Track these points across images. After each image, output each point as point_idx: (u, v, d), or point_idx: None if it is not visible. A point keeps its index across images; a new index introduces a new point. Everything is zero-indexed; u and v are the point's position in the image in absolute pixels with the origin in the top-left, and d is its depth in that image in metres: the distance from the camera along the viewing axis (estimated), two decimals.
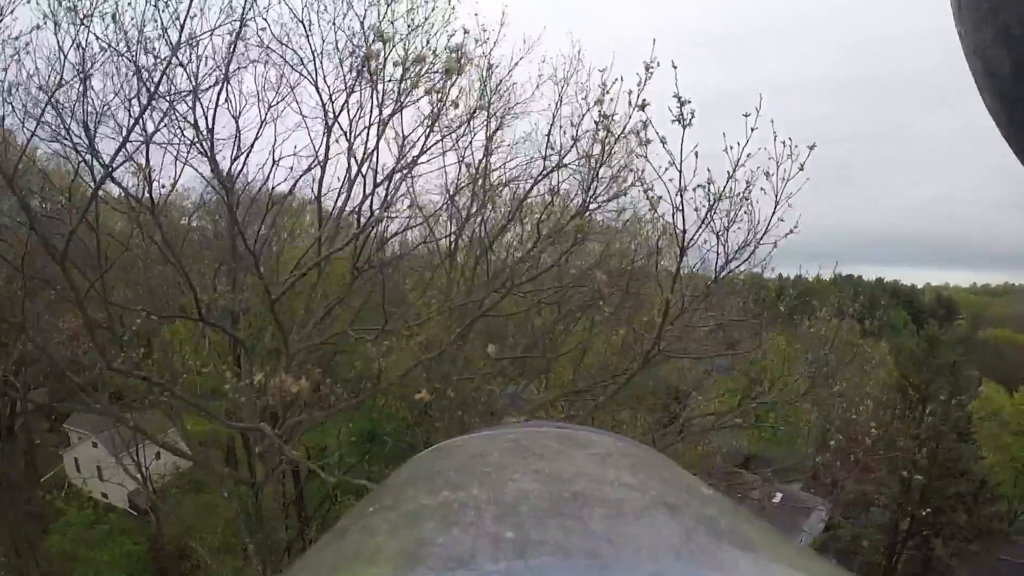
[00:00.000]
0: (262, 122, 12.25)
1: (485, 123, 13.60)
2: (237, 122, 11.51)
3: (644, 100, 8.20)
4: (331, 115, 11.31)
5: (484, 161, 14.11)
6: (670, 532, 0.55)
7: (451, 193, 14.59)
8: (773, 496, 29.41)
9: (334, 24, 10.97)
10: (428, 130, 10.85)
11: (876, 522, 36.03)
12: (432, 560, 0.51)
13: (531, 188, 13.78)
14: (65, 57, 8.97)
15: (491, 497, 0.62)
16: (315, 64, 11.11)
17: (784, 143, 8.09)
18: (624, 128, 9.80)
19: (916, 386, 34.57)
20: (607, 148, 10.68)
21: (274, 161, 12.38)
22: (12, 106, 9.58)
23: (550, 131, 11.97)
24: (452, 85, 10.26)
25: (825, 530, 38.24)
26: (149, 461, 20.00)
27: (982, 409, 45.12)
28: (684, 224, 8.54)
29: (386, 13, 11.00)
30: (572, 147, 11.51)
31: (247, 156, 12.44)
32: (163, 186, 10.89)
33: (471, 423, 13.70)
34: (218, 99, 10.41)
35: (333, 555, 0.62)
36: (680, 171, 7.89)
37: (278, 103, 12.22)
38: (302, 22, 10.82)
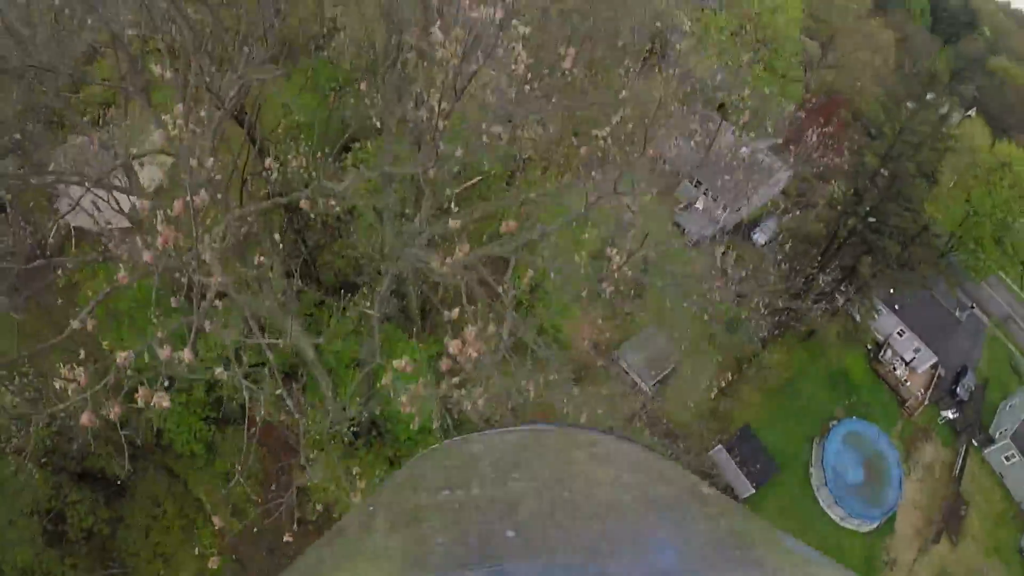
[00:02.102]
0: None
1: None
2: None
3: None
4: None
5: None
6: (669, 532, 0.61)
7: None
8: (740, 149, 48.76)
9: None
10: None
11: (820, 217, 40.42)
12: (432, 559, 0.55)
13: None
14: None
15: (491, 497, 0.68)
16: None
17: None
18: None
19: (899, 103, 35.41)
20: None
21: None
22: None
23: None
24: None
25: (783, 192, 49.78)
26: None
27: (961, 141, 46.01)
28: None
29: None
30: None
31: None
32: None
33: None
34: None
35: (334, 553, 0.67)
36: None
37: None
38: None
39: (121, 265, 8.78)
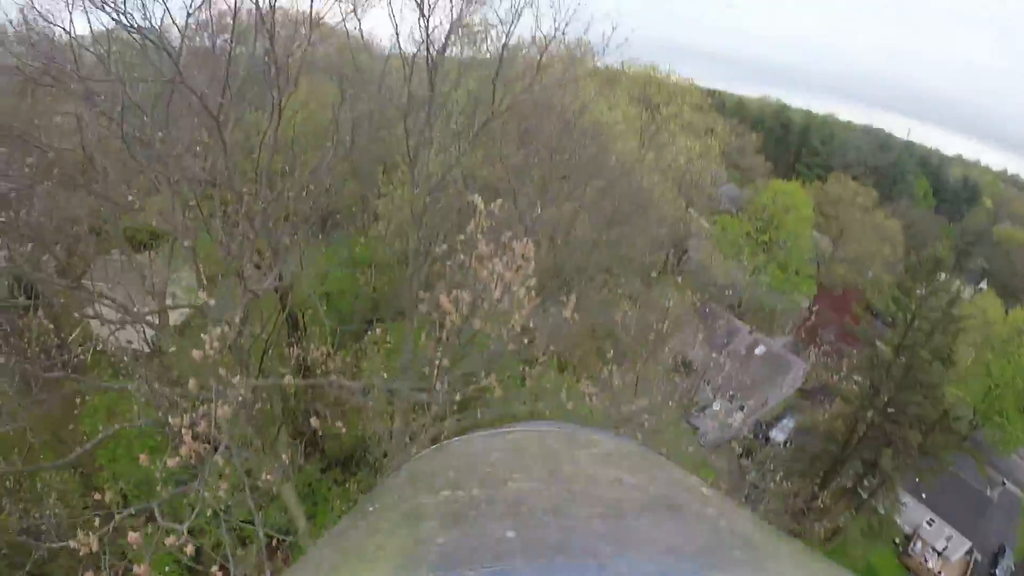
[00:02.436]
0: None
1: None
2: None
3: None
4: None
5: None
6: (670, 532, 0.62)
7: None
8: (756, 348, 51.31)
9: None
10: None
11: (838, 412, 39.47)
12: (432, 560, 0.55)
13: None
14: None
15: (491, 497, 0.68)
16: None
17: None
18: None
19: (908, 292, 35.38)
20: None
21: None
22: None
23: None
24: None
25: (798, 392, 50.84)
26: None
27: (975, 316, 45.39)
28: None
29: None
30: None
31: None
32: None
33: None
34: None
35: (334, 554, 0.69)
36: None
37: None
38: None
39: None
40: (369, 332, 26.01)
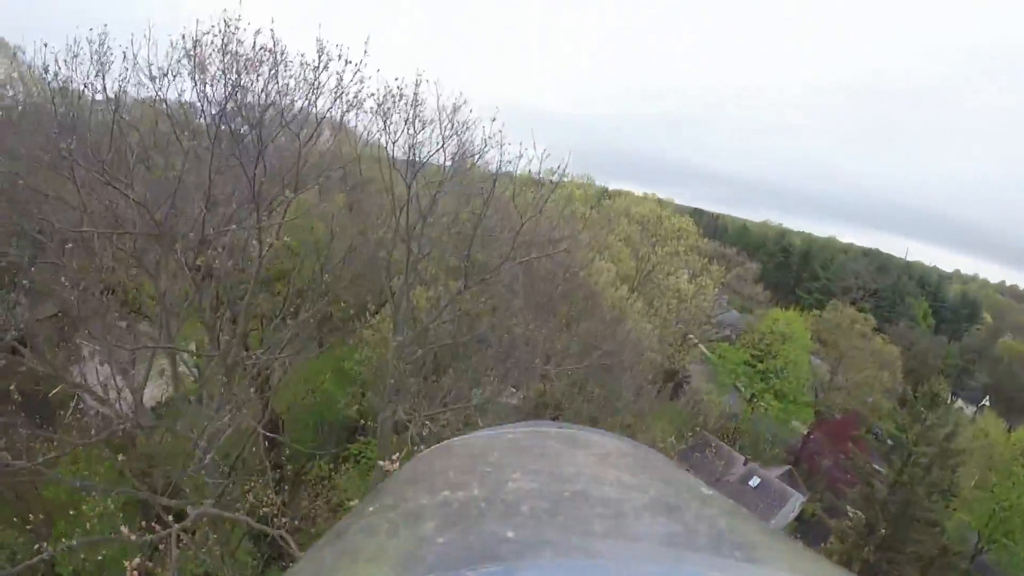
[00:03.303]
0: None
1: None
2: None
3: None
4: None
5: None
6: (670, 532, 0.60)
7: None
8: (751, 479, 51.95)
9: None
10: None
11: (832, 554, 36.55)
12: (432, 560, 0.55)
13: None
14: None
15: (491, 497, 0.67)
16: None
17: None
18: None
19: (904, 429, 35.24)
20: None
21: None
22: None
23: None
24: None
25: (797, 519, 50.46)
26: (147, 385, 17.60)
27: (976, 438, 46.82)
28: None
29: None
30: None
31: None
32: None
33: None
34: None
35: (334, 554, 0.68)
36: None
37: None
38: None
39: None
40: (349, 445, 26.36)
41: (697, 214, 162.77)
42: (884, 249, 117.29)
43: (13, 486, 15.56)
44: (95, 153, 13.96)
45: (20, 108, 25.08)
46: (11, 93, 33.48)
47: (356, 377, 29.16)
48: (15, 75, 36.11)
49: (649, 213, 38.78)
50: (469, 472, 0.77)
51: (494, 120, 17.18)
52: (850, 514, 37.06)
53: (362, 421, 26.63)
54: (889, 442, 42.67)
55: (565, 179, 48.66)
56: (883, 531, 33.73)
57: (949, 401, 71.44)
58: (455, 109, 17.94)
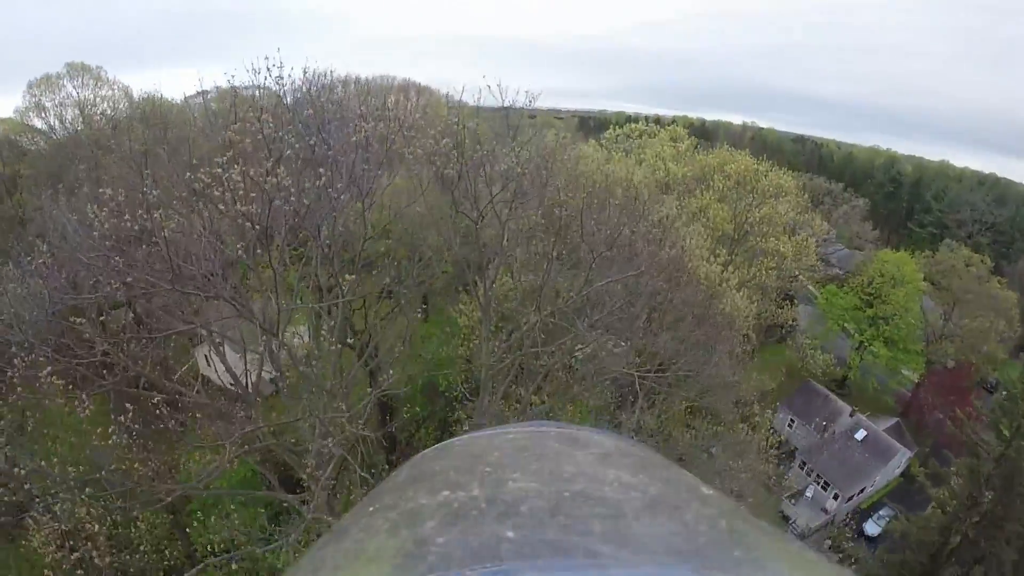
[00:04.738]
0: None
1: None
2: None
3: None
4: None
5: None
6: (670, 532, 0.61)
7: None
8: (856, 431, 49.41)
9: None
10: None
11: (931, 523, 36.22)
12: (432, 560, 0.55)
13: None
14: None
15: (491, 497, 0.67)
16: None
17: None
18: None
19: (1016, 400, 33.64)
20: None
21: None
22: None
23: None
24: None
25: (902, 475, 48.47)
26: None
27: None
28: None
29: None
30: None
31: None
32: None
33: None
34: None
35: (335, 554, 0.69)
36: None
37: None
38: None
39: None
40: (457, 407, 26.38)
41: (800, 142, 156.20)
42: (1001, 174, 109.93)
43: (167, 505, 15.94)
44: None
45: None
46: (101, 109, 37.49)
47: (460, 344, 29.37)
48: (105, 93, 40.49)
49: (746, 170, 37.04)
50: (469, 472, 0.80)
51: None
52: (953, 484, 35.37)
53: (467, 385, 26.19)
54: (1004, 393, 39.89)
55: (653, 136, 47.60)
56: (985, 507, 32.49)
57: None
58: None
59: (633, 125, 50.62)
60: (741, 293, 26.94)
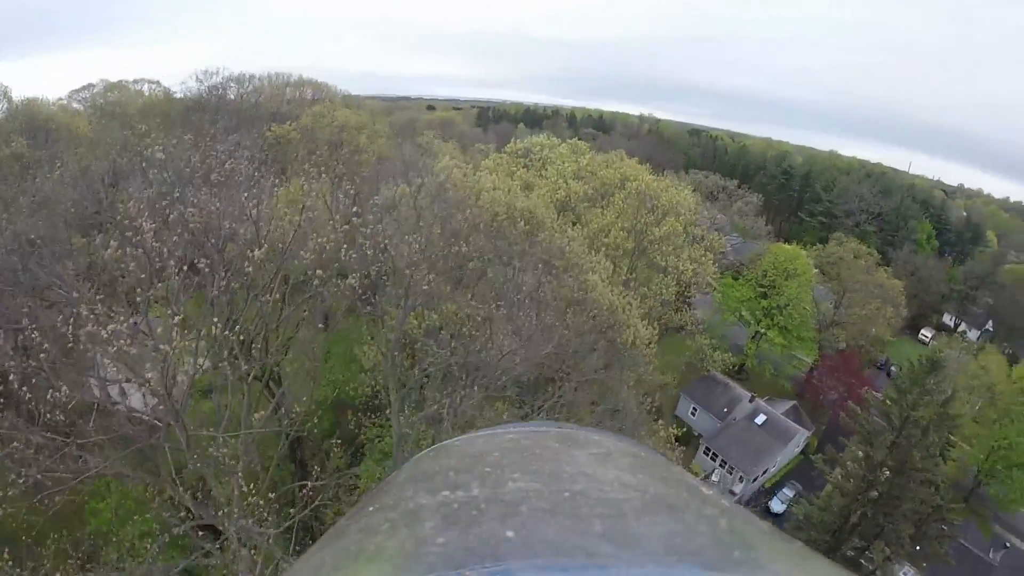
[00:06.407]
0: None
1: None
2: None
3: None
4: None
5: None
6: (670, 532, 0.58)
7: None
8: (756, 416, 52.37)
9: None
10: None
11: (829, 505, 38.28)
12: (432, 560, 0.54)
13: None
14: None
15: (491, 497, 0.66)
16: None
17: None
18: None
19: (903, 391, 35.22)
20: None
21: None
22: None
23: None
24: None
25: (802, 453, 51.42)
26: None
27: (976, 376, 47.83)
28: None
29: None
30: None
31: None
32: None
33: None
34: None
35: (334, 554, 0.66)
36: None
37: None
38: None
39: None
40: (364, 431, 26.09)
41: (695, 135, 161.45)
42: (887, 163, 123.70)
43: (55, 516, 15.18)
44: None
45: None
46: None
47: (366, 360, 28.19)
48: None
49: (647, 188, 38.34)
50: (469, 472, 0.80)
51: None
52: (849, 468, 37.49)
53: (377, 402, 25.97)
54: (894, 380, 41.86)
55: (554, 151, 48.58)
56: (881, 488, 34.60)
57: (953, 325, 71.87)
58: None
59: (534, 139, 51.82)
60: (644, 321, 27.92)
